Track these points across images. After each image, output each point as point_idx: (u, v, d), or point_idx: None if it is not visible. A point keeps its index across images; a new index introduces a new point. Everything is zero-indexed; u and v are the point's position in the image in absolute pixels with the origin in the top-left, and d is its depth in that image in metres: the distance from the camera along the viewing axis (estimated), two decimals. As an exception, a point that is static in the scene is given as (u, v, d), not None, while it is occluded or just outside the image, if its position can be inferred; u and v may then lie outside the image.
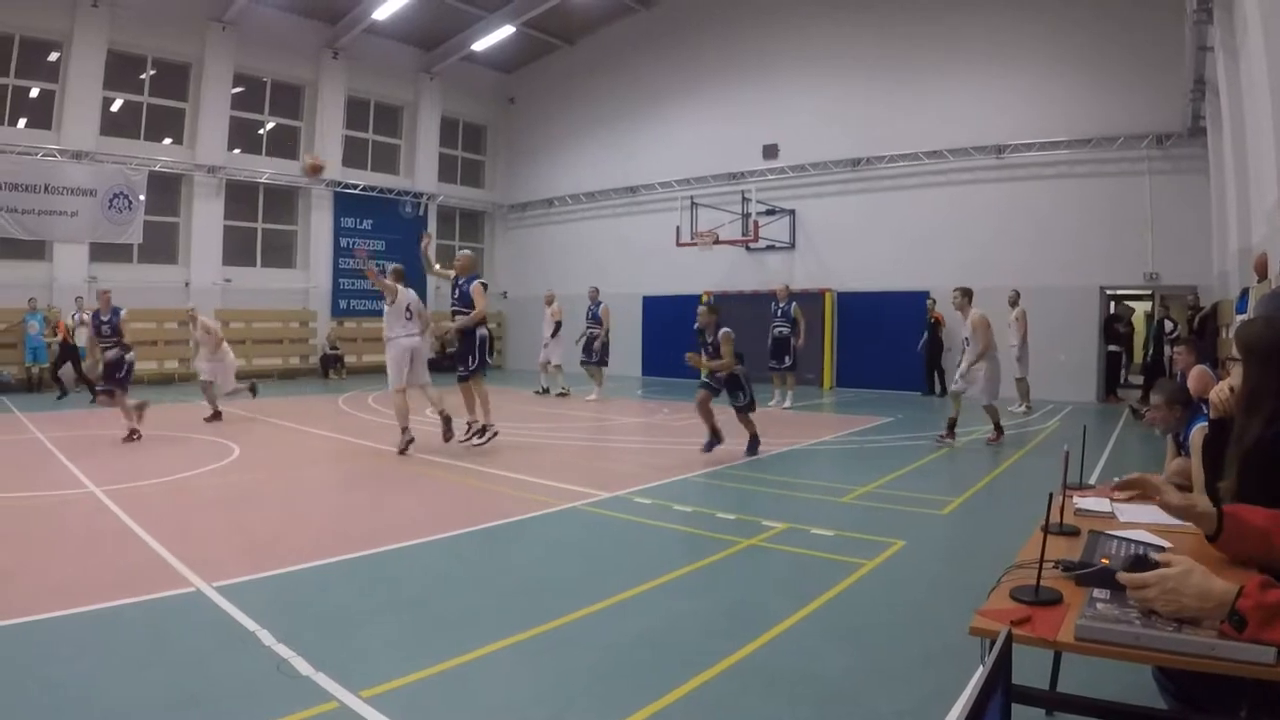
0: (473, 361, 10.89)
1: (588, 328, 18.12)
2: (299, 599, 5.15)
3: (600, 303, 18.15)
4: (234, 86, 23.09)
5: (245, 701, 3.65)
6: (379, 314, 12.08)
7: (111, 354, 11.84)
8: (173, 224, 22.46)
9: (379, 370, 21.38)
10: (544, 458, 10.74)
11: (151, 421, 12.65)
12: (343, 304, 24.68)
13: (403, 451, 10.60)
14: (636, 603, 5.07)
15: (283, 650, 4.16)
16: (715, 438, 10.16)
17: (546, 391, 18.42)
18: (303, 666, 3.97)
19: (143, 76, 22.02)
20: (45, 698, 3.68)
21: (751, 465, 9.93)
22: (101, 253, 20.93)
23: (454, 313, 11.05)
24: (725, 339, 10.11)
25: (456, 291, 11.06)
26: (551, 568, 6.03)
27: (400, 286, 11.08)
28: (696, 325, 10.52)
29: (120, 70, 21.31)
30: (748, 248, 21.77)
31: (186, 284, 21.92)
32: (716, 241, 20.50)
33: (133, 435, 11.63)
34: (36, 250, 20.41)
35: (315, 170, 13.23)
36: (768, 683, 3.93)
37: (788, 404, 16.20)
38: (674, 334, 21.89)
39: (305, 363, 24.11)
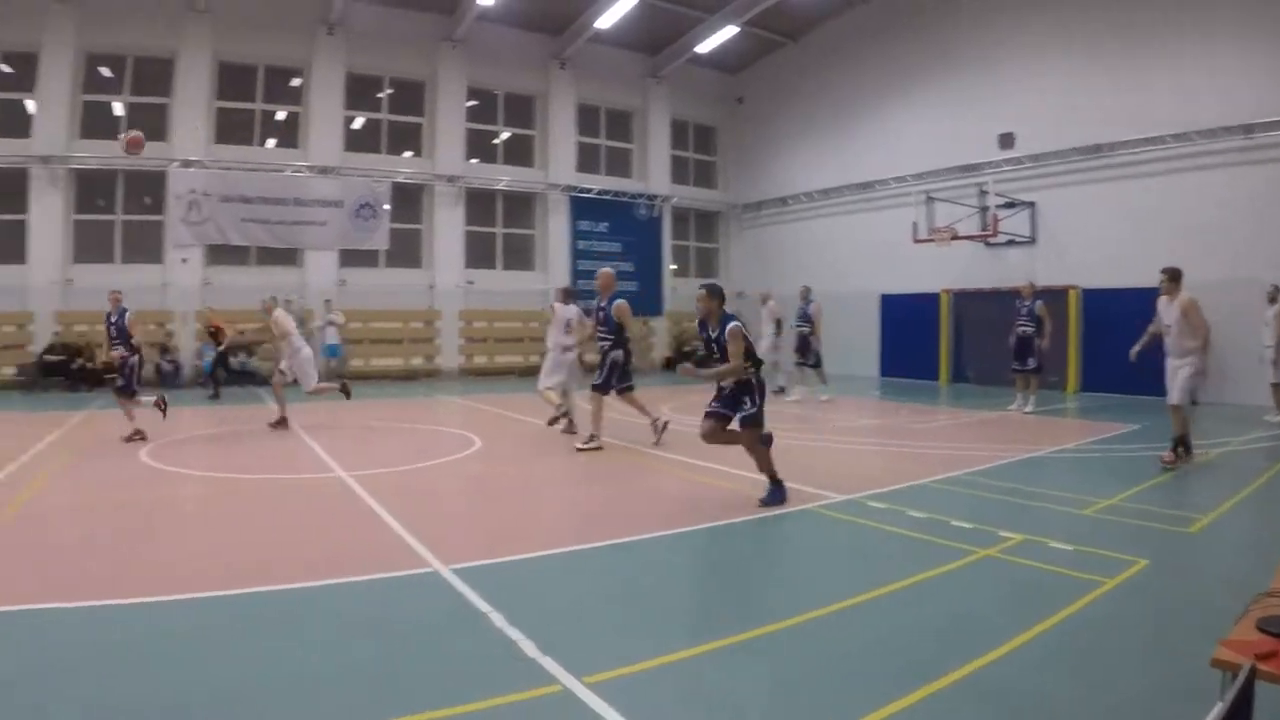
0: (599, 376, 11.17)
1: (796, 327, 17.67)
2: (531, 585, 5.38)
3: (811, 301, 17.51)
4: (468, 100, 24.58)
5: (474, 678, 3.86)
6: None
7: (115, 354, 11.85)
8: (416, 231, 24.20)
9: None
10: (779, 458, 10.57)
11: (397, 414, 14.20)
12: (581, 304, 25.28)
13: (552, 422, 12.33)
14: (864, 609, 4.96)
15: (512, 633, 4.37)
16: (775, 484, 7.87)
17: (782, 391, 18.02)
18: (530, 649, 4.15)
19: (380, 95, 24.08)
20: (292, 660, 4.12)
21: (990, 473, 9.36)
22: (351, 258, 22.99)
23: (598, 336, 11.39)
24: (733, 335, 7.57)
25: (600, 314, 11.30)
26: (779, 568, 6.03)
27: (560, 304, 12.58)
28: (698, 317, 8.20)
29: (359, 90, 23.44)
30: (986, 243, 20.65)
31: (431, 287, 23.64)
32: (954, 238, 19.66)
33: (135, 436, 11.47)
34: (290, 257, 22.68)
35: (134, 144, 13.03)
36: (991, 702, 3.75)
37: (1029, 408, 15.32)
38: (912, 333, 21.92)
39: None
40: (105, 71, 22.09)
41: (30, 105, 21.41)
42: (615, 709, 3.51)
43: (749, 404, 7.68)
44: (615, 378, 11.11)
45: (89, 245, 21.59)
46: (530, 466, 10.08)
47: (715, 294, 7.94)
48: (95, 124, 21.69)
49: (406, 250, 23.86)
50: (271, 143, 22.80)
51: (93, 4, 21.10)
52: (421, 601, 5.00)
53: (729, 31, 24.48)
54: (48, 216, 20.99)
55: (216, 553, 6.03)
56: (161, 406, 12.11)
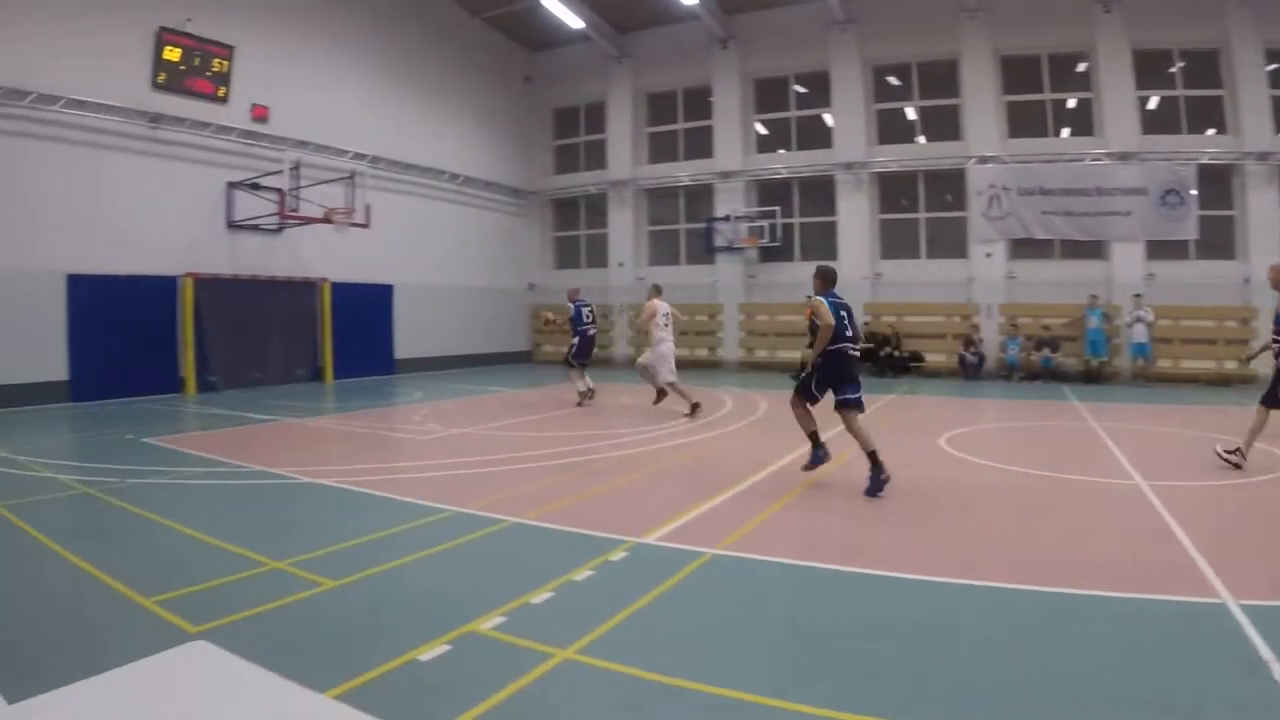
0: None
1: None
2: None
3: None
4: (1267, 64, 21.34)
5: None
6: None
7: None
8: (1227, 217, 21.50)
9: None
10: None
11: (1210, 422, 12.74)
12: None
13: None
14: None
15: (1289, 688, 3.81)
16: (817, 448, 8.28)
17: None
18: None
19: (1171, 70, 21.99)
20: (1037, 665, 4.07)
21: None
22: (1158, 250, 21.24)
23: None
24: (815, 307, 7.88)
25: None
26: None
27: None
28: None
29: (1149, 67, 21.65)
30: None
31: (1246, 280, 20.77)
32: None
33: (583, 401, 14.62)
34: (1095, 250, 21.70)
35: (549, 323, 15.39)
36: None
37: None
38: None
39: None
40: (893, 80, 23.32)
41: (828, 118, 23.33)
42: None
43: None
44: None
45: (894, 242, 23.09)
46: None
47: (818, 274, 8.21)
48: (890, 129, 23.09)
49: (1217, 240, 21.34)
50: (1065, 132, 22.32)
51: (872, 23, 22.81)
52: (1195, 632, 4.50)
53: None
54: (854, 217, 23.00)
55: (1001, 544, 6.32)
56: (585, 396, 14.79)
